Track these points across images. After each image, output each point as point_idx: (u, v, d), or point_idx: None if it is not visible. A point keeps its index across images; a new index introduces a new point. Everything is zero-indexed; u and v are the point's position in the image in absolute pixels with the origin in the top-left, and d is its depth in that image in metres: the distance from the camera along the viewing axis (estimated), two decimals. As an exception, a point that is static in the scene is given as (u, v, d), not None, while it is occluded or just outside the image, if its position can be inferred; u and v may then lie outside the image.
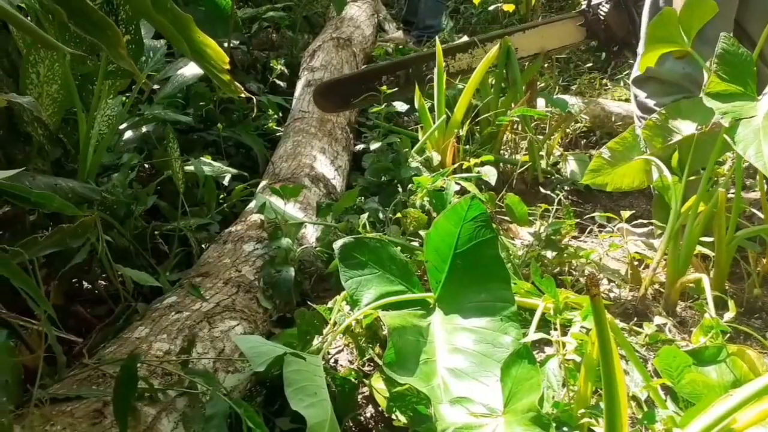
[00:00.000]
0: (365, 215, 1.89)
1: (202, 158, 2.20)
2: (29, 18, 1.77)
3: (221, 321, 1.51)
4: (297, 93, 2.99)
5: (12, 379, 1.08)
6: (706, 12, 1.68)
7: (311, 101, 2.79)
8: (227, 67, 1.05)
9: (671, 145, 1.86)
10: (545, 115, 2.62)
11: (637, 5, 2.63)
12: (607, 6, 2.78)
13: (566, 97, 3.09)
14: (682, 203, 1.76)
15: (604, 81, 3.70)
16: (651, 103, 2.09)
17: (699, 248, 1.83)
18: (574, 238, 2.13)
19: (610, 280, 1.93)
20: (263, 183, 2.26)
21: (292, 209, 1.98)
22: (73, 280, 1.78)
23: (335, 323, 1.49)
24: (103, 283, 1.80)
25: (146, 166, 2.35)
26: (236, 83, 1.07)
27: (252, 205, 2.08)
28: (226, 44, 2.81)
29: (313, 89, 2.72)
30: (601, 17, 2.81)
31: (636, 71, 2.12)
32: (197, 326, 1.45)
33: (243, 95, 1.09)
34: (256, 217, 1.94)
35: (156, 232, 1.96)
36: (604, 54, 3.53)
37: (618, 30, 2.77)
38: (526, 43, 2.78)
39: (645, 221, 2.11)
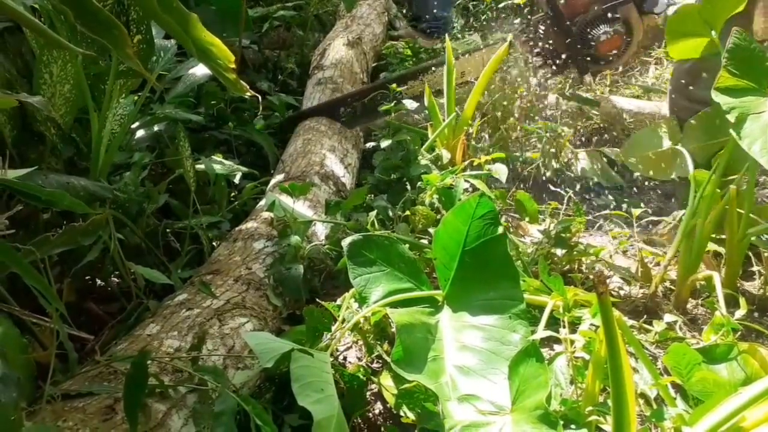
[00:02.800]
0: (374, 213, 1.89)
1: (213, 157, 2.21)
2: (42, 19, 1.79)
3: (231, 318, 1.52)
4: (307, 91, 3.00)
5: (24, 375, 1.09)
6: (730, 4, 1.66)
7: (321, 99, 2.80)
8: (233, 65, 1.06)
9: (718, 142, 1.84)
10: (561, 132, 2.64)
11: (573, 22, 2.65)
12: (544, 25, 2.79)
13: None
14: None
15: (615, 78, 3.67)
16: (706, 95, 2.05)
17: (711, 246, 1.81)
18: (586, 232, 2.12)
19: (624, 279, 1.91)
20: (273, 181, 2.27)
21: (301, 207, 1.99)
22: (86, 278, 1.80)
23: (344, 320, 1.50)
24: (115, 280, 1.82)
25: (158, 164, 2.37)
26: (242, 82, 1.08)
27: (262, 203, 2.09)
28: (237, 43, 2.83)
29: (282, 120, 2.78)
30: (540, 36, 2.83)
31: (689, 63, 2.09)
32: (207, 323, 1.46)
33: (249, 94, 1.10)
34: (267, 215, 1.95)
35: (168, 230, 1.98)
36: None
37: (558, 47, 2.77)
38: (471, 66, 2.79)
39: (656, 219, 2.10)
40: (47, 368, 1.15)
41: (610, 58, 2.63)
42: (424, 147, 2.41)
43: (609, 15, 2.56)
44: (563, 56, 2.72)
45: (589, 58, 2.66)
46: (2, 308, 1.28)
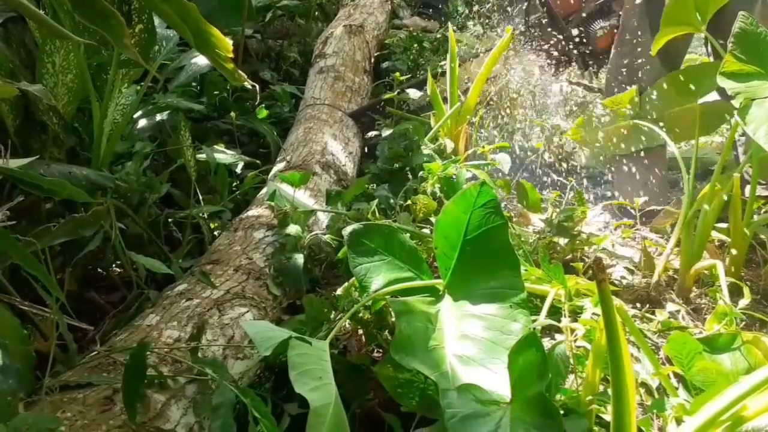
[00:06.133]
0: (375, 202, 1.89)
1: (215, 146, 2.21)
2: (45, 10, 1.79)
3: (231, 308, 1.52)
4: (309, 80, 3.00)
5: (24, 366, 1.09)
6: None
7: (323, 88, 2.79)
8: (231, 55, 1.05)
9: (675, 112, 1.83)
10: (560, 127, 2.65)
11: (569, 20, 2.64)
12: (541, 26, 2.79)
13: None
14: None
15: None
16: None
17: (715, 234, 1.80)
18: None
19: (627, 268, 1.90)
20: (275, 170, 2.27)
21: (302, 196, 1.98)
22: (88, 267, 1.80)
23: (344, 309, 1.49)
24: (117, 270, 1.82)
25: (160, 154, 2.36)
26: (240, 71, 1.07)
27: (263, 192, 2.09)
28: (240, 33, 2.82)
29: None
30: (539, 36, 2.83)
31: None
32: (207, 313, 1.46)
33: (248, 83, 1.09)
34: (267, 205, 1.94)
35: (169, 220, 1.98)
36: None
37: (556, 45, 2.77)
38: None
39: (657, 208, 2.08)
40: (48, 358, 1.15)
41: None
42: (427, 137, 2.40)
43: (603, 10, 2.57)
44: (563, 54, 2.72)
45: (588, 54, 2.66)
46: (3, 299, 1.28)
